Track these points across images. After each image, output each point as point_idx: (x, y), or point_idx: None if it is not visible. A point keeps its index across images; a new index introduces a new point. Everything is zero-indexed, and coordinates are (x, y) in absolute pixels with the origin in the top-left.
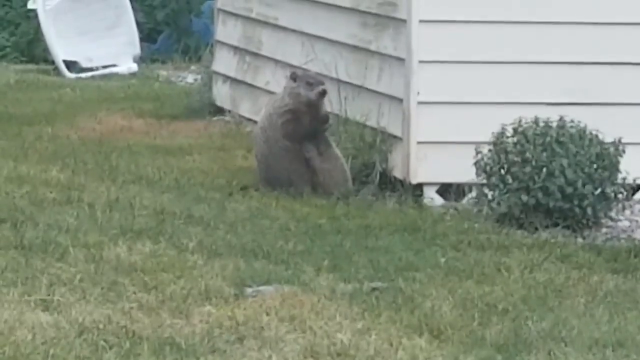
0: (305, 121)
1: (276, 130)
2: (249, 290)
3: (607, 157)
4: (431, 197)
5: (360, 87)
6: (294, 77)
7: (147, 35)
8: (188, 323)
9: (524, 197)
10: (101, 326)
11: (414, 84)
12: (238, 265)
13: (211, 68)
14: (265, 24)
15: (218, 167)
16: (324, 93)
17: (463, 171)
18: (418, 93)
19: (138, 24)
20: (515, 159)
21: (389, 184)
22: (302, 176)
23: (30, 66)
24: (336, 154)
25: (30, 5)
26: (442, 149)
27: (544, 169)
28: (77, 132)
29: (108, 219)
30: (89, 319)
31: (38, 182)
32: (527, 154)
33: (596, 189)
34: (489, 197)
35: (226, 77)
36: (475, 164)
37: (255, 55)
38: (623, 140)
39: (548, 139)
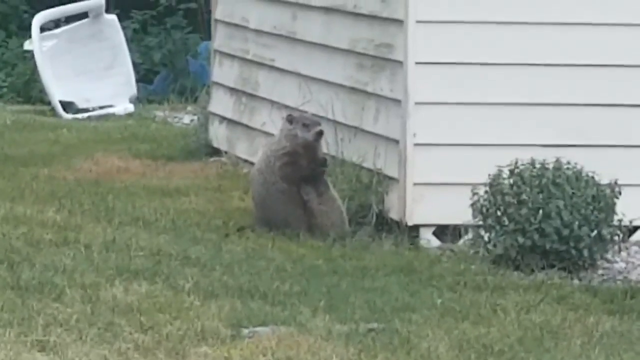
0: (303, 163)
1: (274, 173)
2: (245, 331)
3: (603, 199)
4: (427, 238)
5: (356, 128)
6: (290, 120)
7: (144, 76)
8: None
9: (520, 239)
10: None
11: (410, 125)
12: (234, 306)
13: (207, 109)
14: (262, 65)
15: (214, 208)
16: (320, 134)
17: (459, 213)
18: (414, 134)
19: (134, 64)
20: (512, 200)
21: (386, 225)
22: (299, 218)
23: (27, 107)
24: (334, 195)
25: (26, 46)
26: (438, 190)
27: (540, 211)
28: (73, 173)
29: (104, 259)
30: (85, 359)
31: (34, 223)
32: (524, 196)
33: (592, 230)
34: (485, 238)
35: (222, 118)
36: (471, 205)
37: (252, 96)
38: (619, 182)
39: (544, 180)
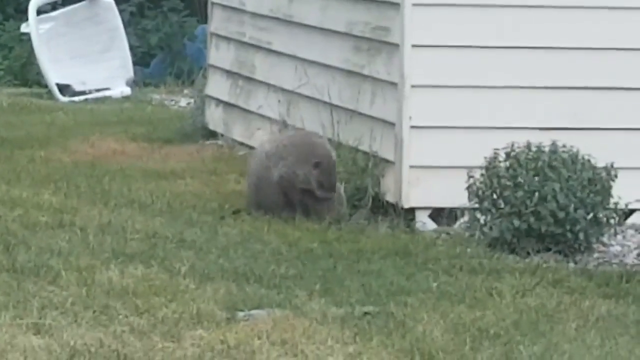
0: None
1: (272, 176)
2: (240, 314)
3: (599, 182)
4: (423, 221)
5: (353, 111)
6: (317, 165)
7: (141, 59)
8: (179, 347)
9: (516, 222)
10: (93, 350)
11: (406, 108)
12: (230, 289)
13: (204, 92)
14: (259, 48)
15: (210, 191)
16: (325, 200)
17: (455, 196)
18: (410, 117)
19: (131, 47)
20: (508, 183)
21: (382, 208)
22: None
23: (24, 89)
24: None
25: (23, 29)
26: (434, 173)
27: (536, 194)
28: (69, 156)
29: (100, 242)
30: (81, 342)
31: (30, 206)
32: (520, 179)
33: (588, 213)
34: (481, 221)
35: (219, 101)
36: (467, 188)
37: (248, 79)
38: (615, 165)
39: (540, 163)
